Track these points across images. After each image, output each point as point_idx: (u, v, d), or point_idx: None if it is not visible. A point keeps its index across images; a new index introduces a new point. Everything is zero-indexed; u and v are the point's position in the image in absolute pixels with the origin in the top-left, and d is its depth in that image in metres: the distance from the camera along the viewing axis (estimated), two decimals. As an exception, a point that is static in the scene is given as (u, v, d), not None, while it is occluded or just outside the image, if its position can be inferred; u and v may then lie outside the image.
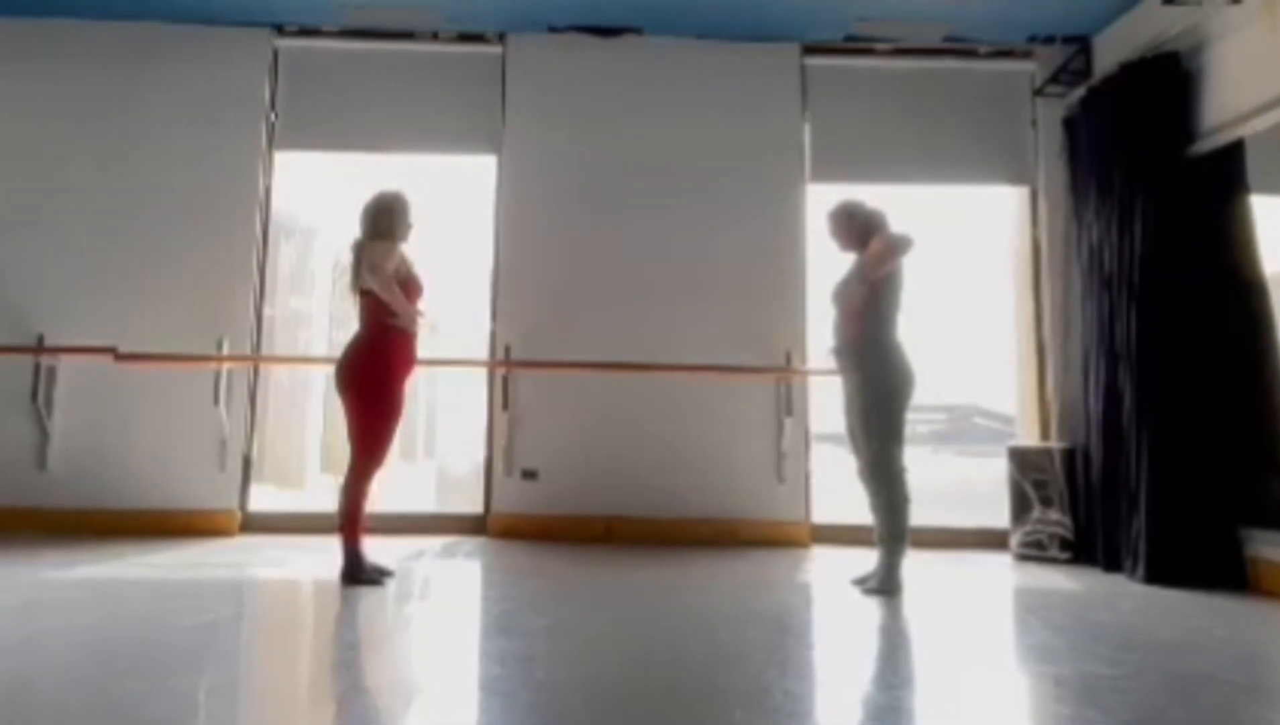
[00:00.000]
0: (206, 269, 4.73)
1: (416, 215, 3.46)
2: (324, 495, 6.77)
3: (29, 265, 4.68)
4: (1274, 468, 3.63)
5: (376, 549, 3.45)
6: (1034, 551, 4.38)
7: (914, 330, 3.51)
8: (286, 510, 5.15)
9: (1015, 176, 5.09)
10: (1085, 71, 4.76)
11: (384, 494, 3.50)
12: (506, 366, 4.71)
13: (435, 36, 5.02)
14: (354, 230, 3.41)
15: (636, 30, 4.99)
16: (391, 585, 3.28)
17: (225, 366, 4.63)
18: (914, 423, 4.50)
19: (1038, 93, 4.94)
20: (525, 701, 1.90)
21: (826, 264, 3.70)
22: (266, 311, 5.16)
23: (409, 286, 3.35)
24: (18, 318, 4.61)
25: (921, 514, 3.48)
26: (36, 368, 4.53)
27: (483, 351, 4.91)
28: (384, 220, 3.36)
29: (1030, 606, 3.36)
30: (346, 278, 3.42)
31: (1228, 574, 3.62)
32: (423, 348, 3.45)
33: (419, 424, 12.60)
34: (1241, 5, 3.72)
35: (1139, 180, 4.07)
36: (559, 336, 4.73)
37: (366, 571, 3.26)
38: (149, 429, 4.60)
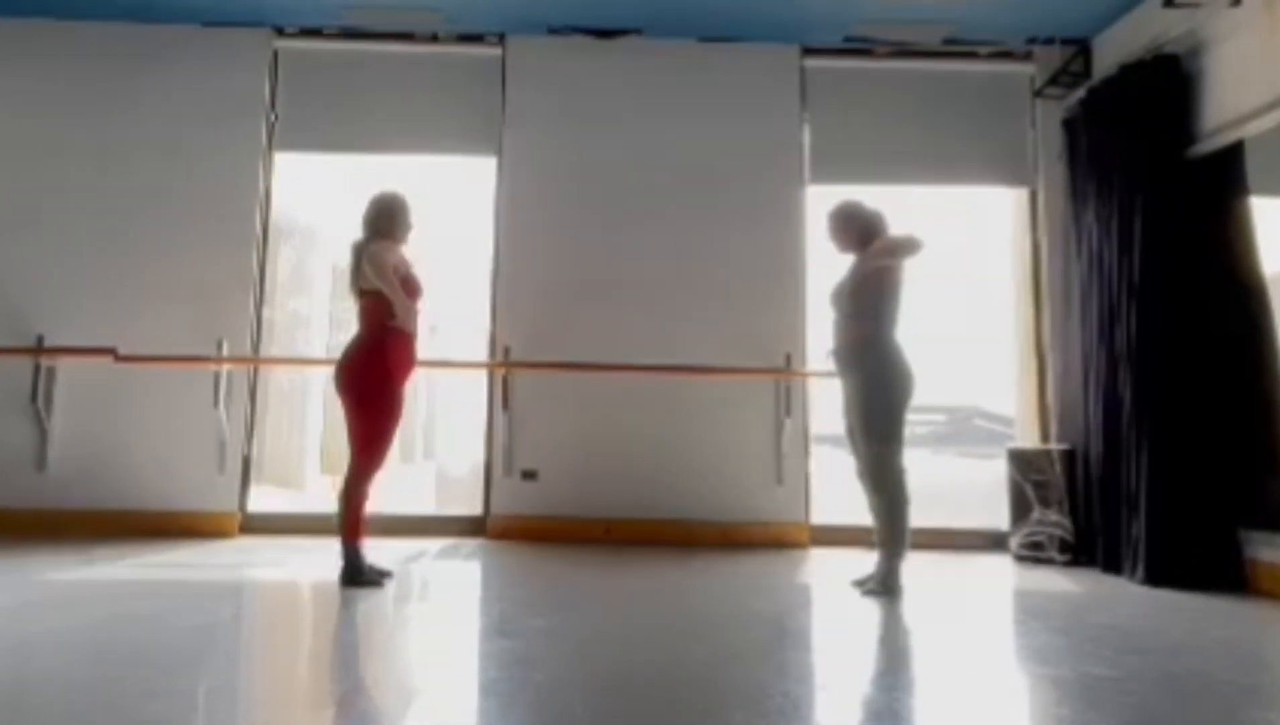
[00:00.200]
0: (206, 270, 4.73)
1: (416, 216, 3.47)
2: (323, 496, 6.77)
3: (29, 265, 4.68)
4: (1273, 469, 3.63)
5: (376, 550, 3.45)
6: (1034, 553, 4.38)
7: (914, 331, 3.51)
8: (286, 511, 5.15)
9: (1015, 178, 5.09)
10: (1085, 73, 4.77)
11: (383, 495, 3.49)
12: (506, 367, 4.71)
13: (435, 38, 5.02)
14: (354, 232, 3.41)
15: (636, 32, 4.99)
16: (391, 587, 3.28)
17: (225, 368, 4.63)
18: (914, 424, 4.50)
19: (1037, 94, 4.94)
20: (524, 703, 1.90)
21: (826, 265, 3.70)
22: (266, 313, 5.16)
23: (408, 287, 3.35)
24: (17, 318, 4.61)
25: (921, 515, 3.48)
26: (36, 368, 4.53)
27: (482, 353, 4.91)
28: (384, 221, 3.37)
29: (1030, 608, 3.36)
30: (346, 279, 3.43)
31: (1227, 576, 3.61)
32: (422, 349, 3.45)
33: (418, 425, 12.60)
34: (1241, 7, 3.73)
35: (1139, 182, 4.07)
36: (558, 338, 4.73)
37: (366, 573, 3.26)
38: (148, 430, 4.60)
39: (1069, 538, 4.31)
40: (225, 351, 4.64)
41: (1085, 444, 4.37)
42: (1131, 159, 4.12)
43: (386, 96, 5.03)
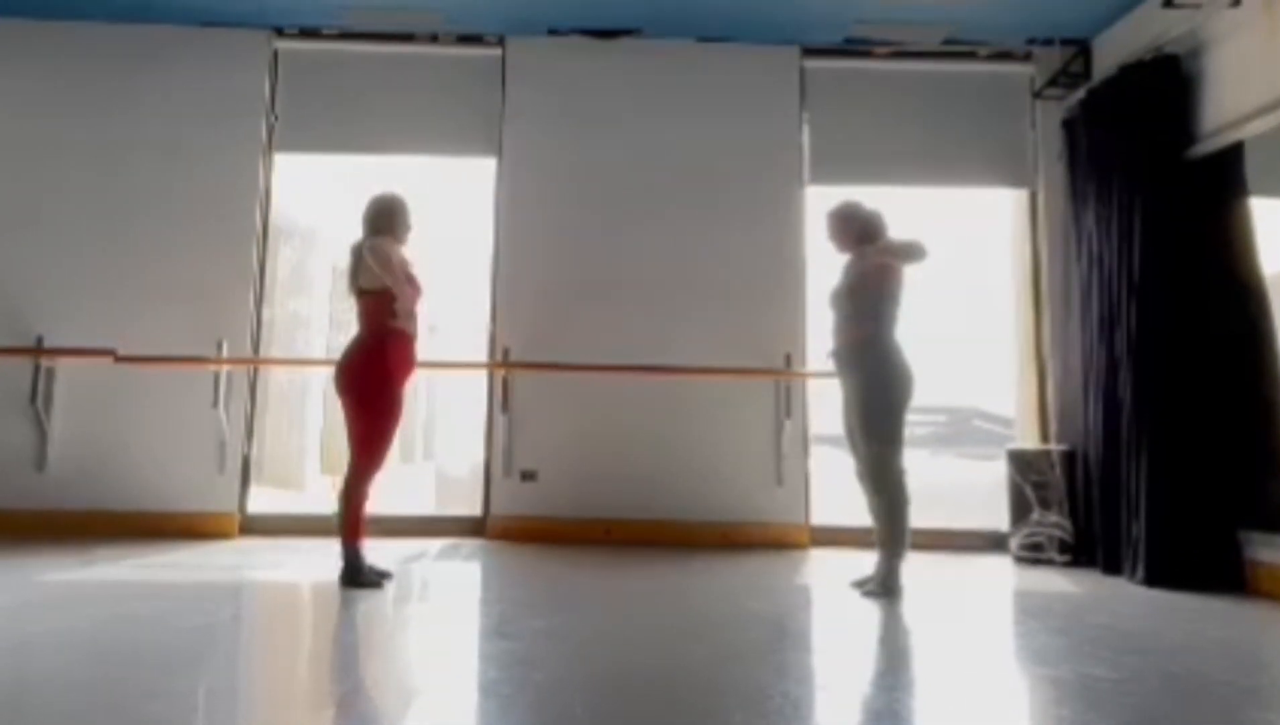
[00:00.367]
0: (206, 270, 4.73)
1: (415, 217, 3.47)
2: (323, 497, 6.77)
3: (28, 265, 4.68)
4: (1273, 470, 3.63)
5: (376, 551, 3.45)
6: (1033, 554, 4.38)
7: (914, 332, 3.51)
8: (285, 512, 5.15)
9: (1015, 179, 5.09)
10: (1085, 74, 4.77)
11: (383, 496, 3.49)
12: (506, 368, 4.71)
13: (435, 39, 5.02)
14: (353, 232, 3.42)
15: (636, 33, 4.99)
16: (390, 587, 3.28)
17: (225, 368, 4.63)
18: (913, 425, 4.50)
19: (1037, 95, 4.94)
20: (524, 704, 1.90)
21: (826, 266, 3.70)
22: (266, 313, 5.16)
23: (409, 287, 3.35)
24: (17, 318, 4.61)
25: (921, 516, 3.48)
26: (36, 369, 4.52)
27: (482, 353, 4.91)
28: (383, 221, 3.38)
29: (1030, 609, 3.36)
30: (345, 280, 3.43)
31: (1227, 577, 3.62)
32: (422, 349, 3.45)
33: (418, 426, 12.61)
34: (1241, 8, 3.73)
35: (1138, 183, 4.07)
36: (558, 338, 4.73)
37: (365, 573, 3.26)
38: (148, 431, 4.60)
39: (1069, 538, 4.31)
40: (225, 352, 4.64)
41: (1085, 445, 4.37)
42: (1131, 160, 4.12)
43: (386, 97, 5.03)
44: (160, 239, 4.74)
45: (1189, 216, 3.92)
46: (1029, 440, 4.87)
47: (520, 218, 4.90)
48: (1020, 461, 4.56)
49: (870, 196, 3.72)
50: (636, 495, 4.66)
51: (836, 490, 4.87)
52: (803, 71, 5.07)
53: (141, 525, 4.45)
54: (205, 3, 4.71)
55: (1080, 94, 4.68)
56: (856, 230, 3.55)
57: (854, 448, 3.49)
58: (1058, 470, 4.41)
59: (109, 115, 4.84)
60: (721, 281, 4.84)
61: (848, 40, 4.99)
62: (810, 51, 5.06)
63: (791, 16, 4.74)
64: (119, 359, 4.49)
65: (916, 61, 5.07)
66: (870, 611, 3.07)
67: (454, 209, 7.97)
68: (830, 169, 5.02)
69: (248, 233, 4.81)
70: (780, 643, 2.62)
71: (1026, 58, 5.02)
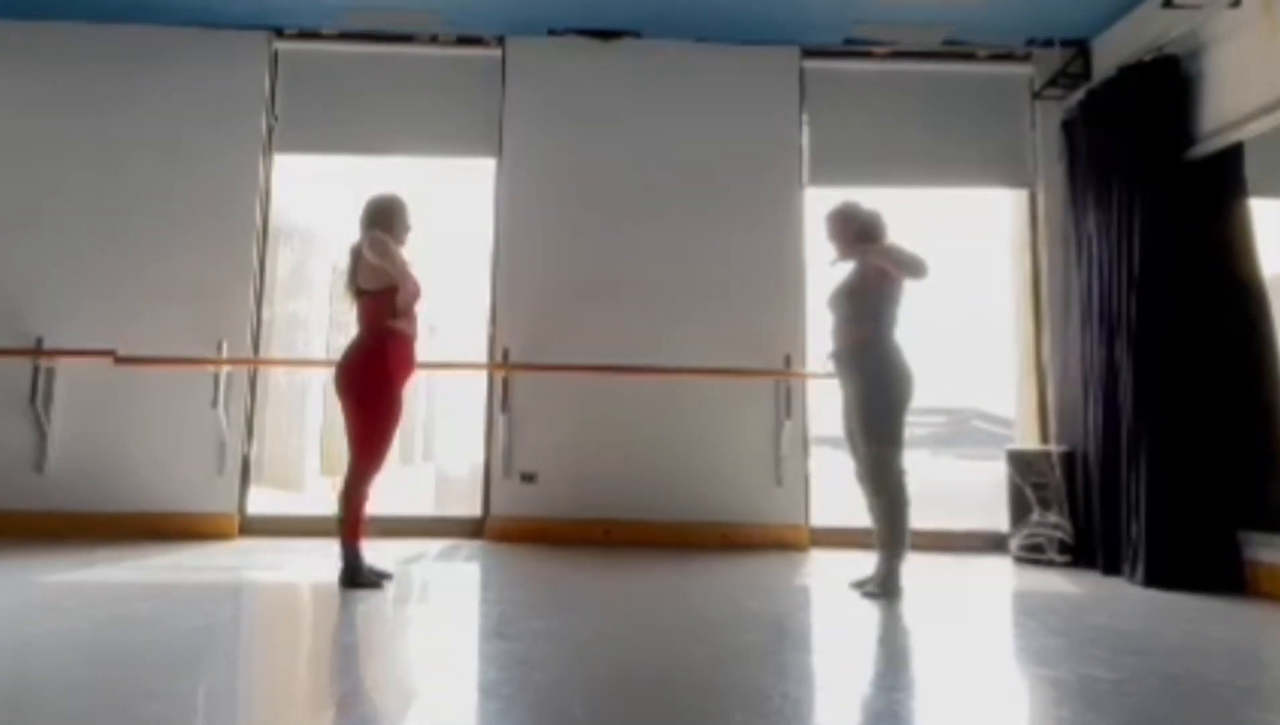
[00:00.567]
0: (206, 271, 4.73)
1: (414, 218, 3.47)
2: (323, 498, 6.77)
3: (28, 266, 4.68)
4: (1273, 471, 3.63)
5: (375, 552, 3.44)
6: (1033, 554, 4.38)
7: (913, 333, 3.51)
8: (285, 513, 5.15)
9: (1014, 180, 5.09)
10: (1084, 75, 4.77)
11: (383, 497, 3.49)
12: (505, 369, 4.71)
13: (434, 40, 5.02)
14: (352, 233, 3.41)
15: (635, 33, 5.00)
16: (390, 588, 3.28)
17: (224, 369, 4.63)
18: (913, 426, 4.50)
19: (1036, 96, 4.95)
20: (524, 704, 1.90)
21: (825, 267, 3.70)
22: (266, 313, 5.16)
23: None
24: (16, 319, 4.60)
25: (921, 517, 3.48)
26: (35, 370, 4.52)
27: (482, 354, 4.91)
28: (383, 221, 3.37)
29: (1029, 609, 3.36)
30: (344, 281, 3.42)
31: (1226, 577, 3.62)
32: (422, 350, 3.45)
33: (418, 427, 12.61)
34: (1240, 8, 3.73)
35: (1138, 183, 4.07)
36: (558, 339, 4.73)
37: (365, 574, 3.25)
38: (147, 431, 4.59)
39: (1068, 539, 4.31)
40: (225, 352, 4.64)
41: (1085, 445, 4.37)
42: (1131, 160, 4.12)
43: (386, 98, 5.03)
44: (160, 239, 4.74)
45: (1189, 217, 3.92)
46: (1029, 441, 4.87)
47: (520, 218, 4.90)
48: (1020, 462, 4.56)
49: (870, 197, 3.73)
50: (636, 496, 4.66)
51: (836, 491, 4.88)
52: (802, 72, 5.07)
53: (141, 526, 4.45)
54: (205, 3, 4.71)
55: (1080, 95, 4.68)
56: (856, 231, 3.55)
57: (854, 449, 3.49)
58: (1057, 471, 4.41)
59: (108, 115, 4.84)
60: (721, 282, 4.84)
61: (847, 41, 4.99)
62: (810, 52, 5.06)
63: (791, 17, 4.75)
64: (119, 359, 4.49)
65: (916, 62, 5.08)
66: (870, 612, 3.07)
67: (454, 209, 7.97)
68: (830, 169, 5.03)
69: (247, 233, 4.81)
70: (780, 643, 2.62)
71: (1026, 58, 5.02)
